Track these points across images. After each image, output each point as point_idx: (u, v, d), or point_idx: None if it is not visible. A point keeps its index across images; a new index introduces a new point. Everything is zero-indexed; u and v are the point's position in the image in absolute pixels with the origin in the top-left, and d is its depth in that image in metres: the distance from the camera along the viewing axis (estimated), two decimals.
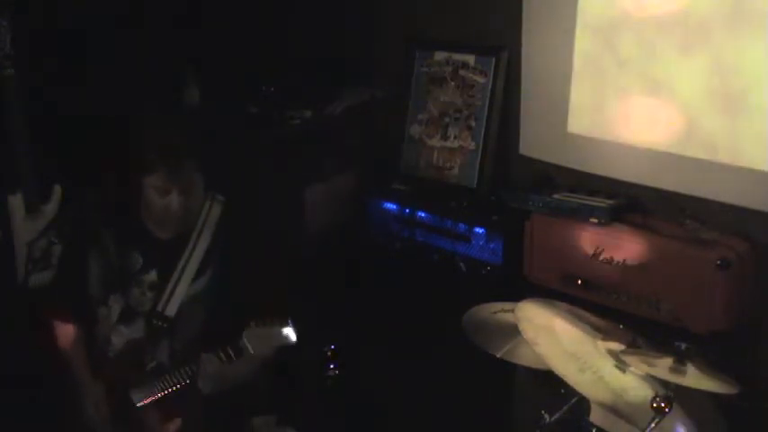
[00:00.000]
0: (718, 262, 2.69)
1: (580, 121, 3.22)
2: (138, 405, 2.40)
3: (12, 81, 3.01)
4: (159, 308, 2.45)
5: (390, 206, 3.59)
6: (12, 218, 3.10)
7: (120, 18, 3.41)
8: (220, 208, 2.52)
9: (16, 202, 3.10)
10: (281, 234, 3.58)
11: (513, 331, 2.26)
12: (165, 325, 2.45)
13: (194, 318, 2.48)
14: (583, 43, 3.14)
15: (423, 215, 3.50)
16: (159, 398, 2.39)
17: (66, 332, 2.49)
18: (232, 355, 2.31)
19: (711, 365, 2.04)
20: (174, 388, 2.38)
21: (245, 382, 2.43)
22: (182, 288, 2.45)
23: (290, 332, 2.29)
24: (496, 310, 2.45)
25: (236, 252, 2.49)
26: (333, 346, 3.42)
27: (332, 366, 3.36)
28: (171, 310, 2.45)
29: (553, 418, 2.25)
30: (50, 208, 3.10)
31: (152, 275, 2.47)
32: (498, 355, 2.29)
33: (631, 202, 3.06)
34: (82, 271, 2.48)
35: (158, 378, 2.41)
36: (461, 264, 3.38)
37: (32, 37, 3.14)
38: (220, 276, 2.49)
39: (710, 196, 2.88)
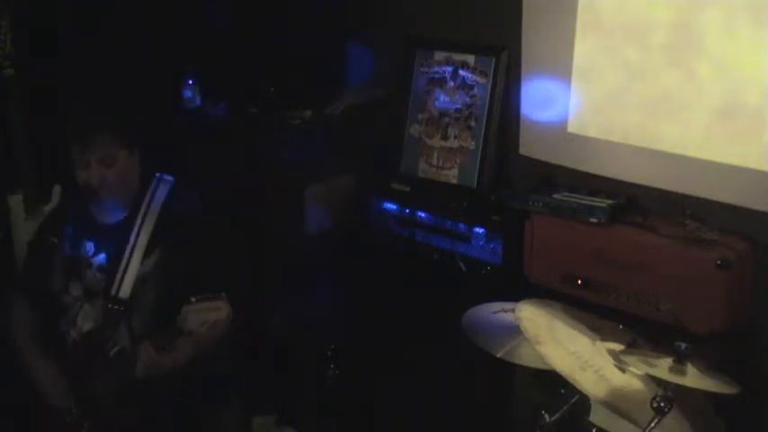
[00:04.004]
0: (719, 262, 2.69)
1: (580, 121, 3.22)
2: (101, 395, 2.44)
3: (12, 81, 3.01)
4: (113, 291, 2.50)
5: (390, 206, 3.59)
6: (12, 218, 3.10)
7: (121, 18, 3.42)
8: (168, 188, 2.58)
9: (16, 202, 3.10)
10: (280, 234, 3.59)
11: (513, 331, 2.26)
12: (121, 308, 2.49)
13: (146, 298, 2.52)
14: (583, 43, 3.15)
15: (423, 215, 3.51)
16: (120, 386, 2.43)
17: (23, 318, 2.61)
18: (172, 336, 2.33)
19: (711, 365, 2.04)
20: (130, 374, 2.41)
21: (187, 367, 2.44)
22: (132, 269, 2.50)
23: (222, 305, 2.28)
24: (496, 310, 2.45)
25: (183, 233, 2.52)
26: (333, 346, 3.42)
27: (332, 366, 3.36)
28: (125, 293, 2.49)
29: (553, 418, 2.24)
30: (50, 208, 3.10)
31: (101, 257, 2.54)
32: (498, 355, 2.29)
33: (631, 202, 3.06)
34: (49, 269, 2.58)
35: (119, 364, 2.44)
36: (461, 264, 3.38)
37: (32, 37, 3.15)
38: (168, 257, 2.52)
39: (710, 196, 2.88)
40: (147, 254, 2.51)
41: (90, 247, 2.56)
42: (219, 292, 2.29)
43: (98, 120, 2.49)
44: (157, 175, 2.61)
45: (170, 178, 2.61)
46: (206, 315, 2.29)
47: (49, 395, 2.47)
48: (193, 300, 2.27)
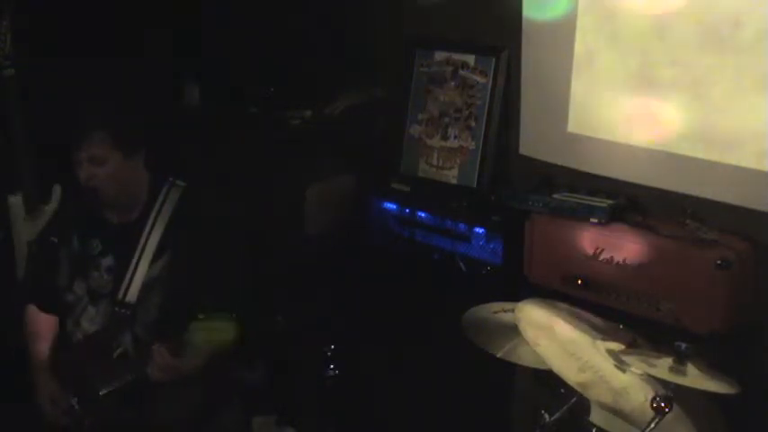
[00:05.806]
0: (718, 262, 2.69)
1: (580, 121, 3.22)
2: (101, 394, 2.44)
3: (12, 81, 3.01)
4: (120, 295, 2.50)
5: (390, 206, 3.59)
6: (12, 218, 3.11)
7: (121, 18, 3.42)
8: (179, 192, 2.58)
9: (16, 202, 3.10)
10: (281, 234, 3.59)
11: (513, 331, 2.26)
12: (127, 312, 2.50)
13: (152, 303, 2.52)
14: (582, 43, 3.14)
15: (423, 215, 3.50)
16: (121, 387, 2.43)
17: (37, 326, 2.61)
18: (178, 347, 2.33)
19: (711, 365, 2.04)
20: (133, 376, 2.41)
21: (199, 375, 2.44)
22: (140, 272, 2.51)
23: (229, 327, 2.29)
24: (496, 310, 2.45)
25: (192, 238, 2.52)
26: (332, 346, 3.42)
27: (331, 366, 3.36)
28: (132, 296, 2.50)
29: (553, 418, 2.24)
30: (50, 208, 3.10)
31: (108, 260, 2.55)
32: (498, 355, 2.29)
33: (631, 202, 3.06)
34: (53, 268, 2.60)
35: (122, 366, 2.45)
36: (461, 264, 3.38)
37: (32, 37, 3.15)
38: (176, 261, 2.52)
39: (710, 196, 2.88)
40: (155, 258, 2.51)
41: (97, 245, 2.56)
42: (228, 301, 2.29)
43: (89, 120, 2.50)
44: (169, 179, 2.61)
45: (181, 183, 2.62)
46: (211, 335, 2.29)
47: (48, 413, 2.49)
48: (201, 317, 2.28)
